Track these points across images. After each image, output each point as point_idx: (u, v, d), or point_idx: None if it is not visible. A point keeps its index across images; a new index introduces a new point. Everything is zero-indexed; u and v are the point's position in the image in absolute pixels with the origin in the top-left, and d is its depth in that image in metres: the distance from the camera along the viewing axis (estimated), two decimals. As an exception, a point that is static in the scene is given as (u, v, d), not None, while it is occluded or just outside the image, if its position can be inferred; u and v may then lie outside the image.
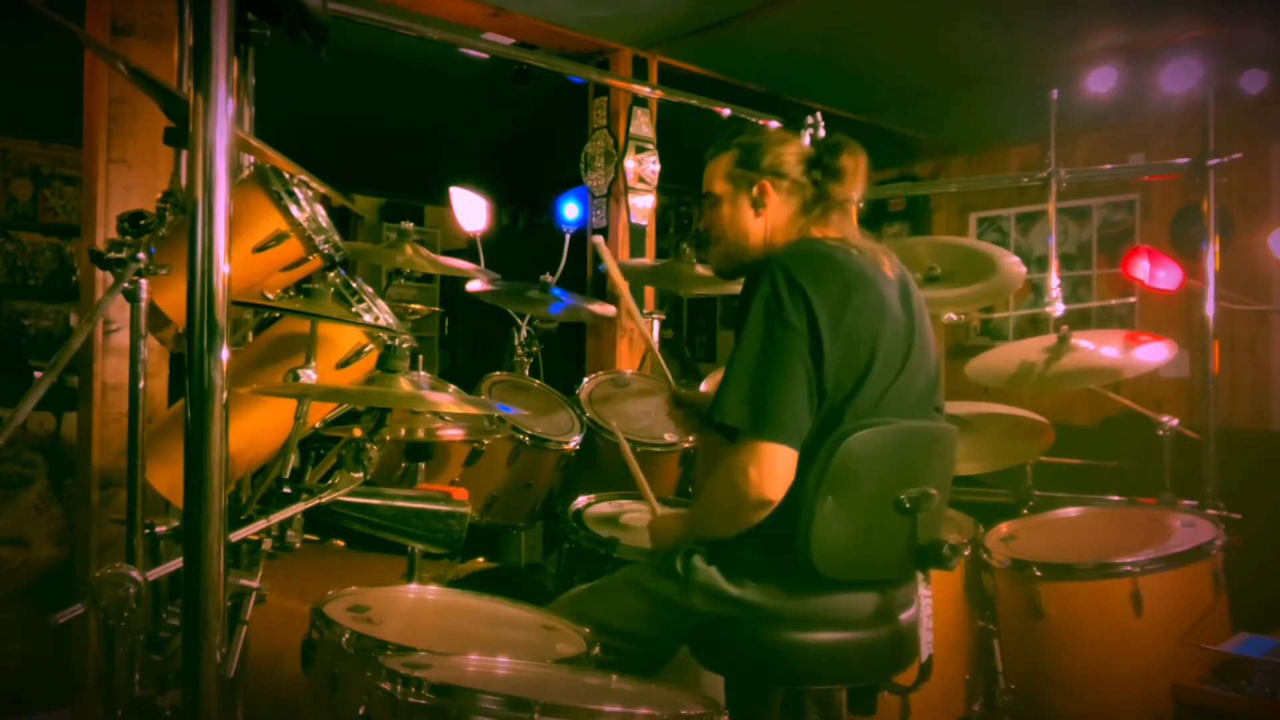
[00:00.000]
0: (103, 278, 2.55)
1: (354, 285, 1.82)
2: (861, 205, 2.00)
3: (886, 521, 1.79)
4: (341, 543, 2.72)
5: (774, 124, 4.05)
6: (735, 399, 1.75)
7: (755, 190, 1.96)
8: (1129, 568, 2.44)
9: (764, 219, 1.96)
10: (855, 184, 1.94)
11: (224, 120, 1.06)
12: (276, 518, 1.59)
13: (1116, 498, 2.96)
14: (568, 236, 3.77)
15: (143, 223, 1.56)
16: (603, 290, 4.10)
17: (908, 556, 1.81)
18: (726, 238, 2.01)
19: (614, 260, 2.51)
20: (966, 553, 2.59)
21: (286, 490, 1.64)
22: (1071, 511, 2.87)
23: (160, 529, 1.60)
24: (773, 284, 1.76)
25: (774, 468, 1.72)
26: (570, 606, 1.96)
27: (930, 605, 1.81)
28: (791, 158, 1.96)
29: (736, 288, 3.36)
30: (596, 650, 1.74)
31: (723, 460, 1.80)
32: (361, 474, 1.65)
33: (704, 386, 2.98)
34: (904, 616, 1.88)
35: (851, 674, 1.89)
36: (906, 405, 1.83)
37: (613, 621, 1.89)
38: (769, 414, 1.72)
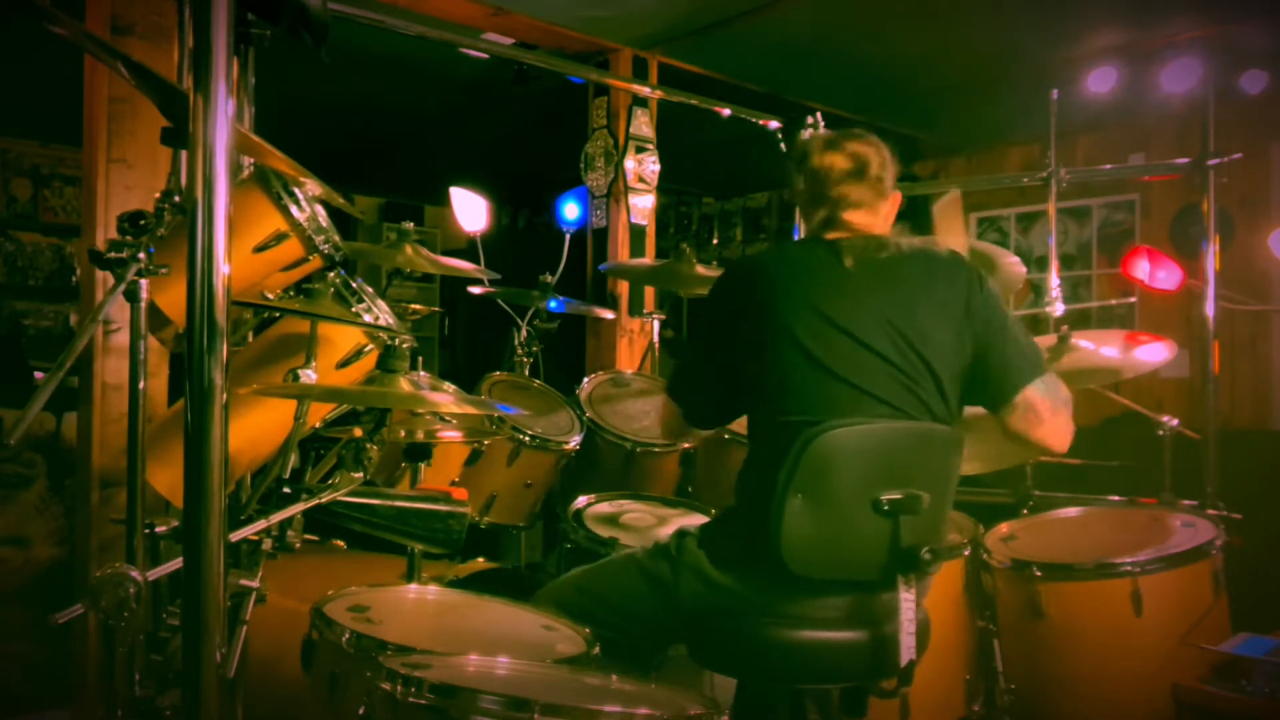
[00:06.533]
0: (103, 278, 2.55)
1: (354, 285, 1.82)
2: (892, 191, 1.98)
3: (862, 522, 1.75)
4: (341, 543, 2.72)
5: (774, 124, 4.06)
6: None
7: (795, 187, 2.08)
8: (1129, 568, 2.43)
9: (799, 211, 2.06)
10: (840, 179, 1.92)
11: (224, 120, 1.06)
12: (276, 518, 1.59)
13: (1116, 498, 2.95)
14: (567, 236, 3.77)
15: (142, 223, 1.56)
16: (602, 292, 4.10)
17: (888, 559, 1.77)
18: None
19: None
20: (966, 553, 2.60)
21: (286, 490, 1.64)
22: (1071, 511, 2.87)
23: (160, 529, 1.61)
24: (715, 285, 1.99)
25: (669, 415, 2.14)
26: (572, 581, 1.99)
27: (912, 610, 1.76)
28: (813, 157, 1.99)
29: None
30: (596, 650, 1.75)
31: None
32: (361, 474, 1.65)
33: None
34: (884, 620, 1.83)
35: (829, 674, 1.87)
36: (873, 404, 1.80)
37: (612, 596, 1.92)
38: (677, 383, 2.12)
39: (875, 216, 1.95)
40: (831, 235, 1.92)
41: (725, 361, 1.94)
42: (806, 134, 3.08)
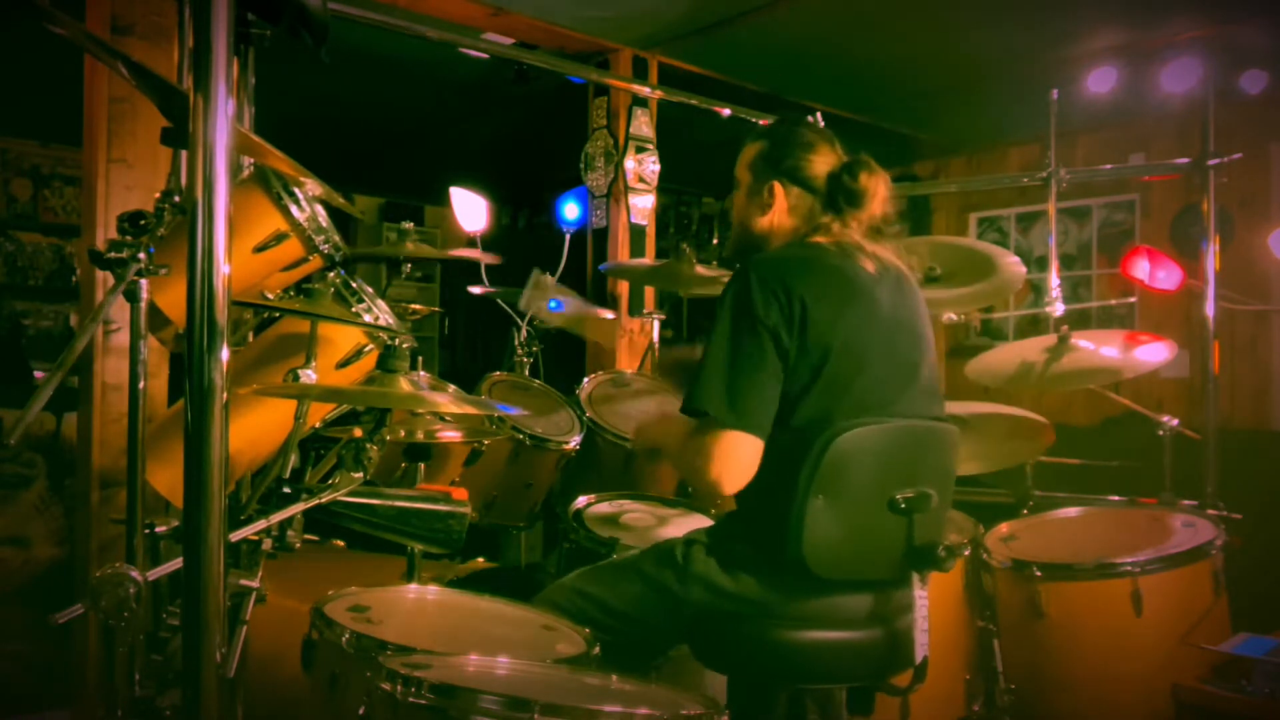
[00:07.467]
0: (103, 278, 2.55)
1: (354, 285, 1.82)
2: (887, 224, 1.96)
3: (880, 521, 1.78)
4: (341, 543, 2.72)
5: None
6: (710, 388, 1.77)
7: (765, 191, 1.96)
8: (1129, 568, 2.44)
9: (770, 218, 1.97)
10: (871, 205, 1.91)
11: (224, 120, 1.06)
12: (276, 518, 1.59)
13: (1116, 498, 2.95)
14: (568, 236, 3.78)
15: (142, 223, 1.56)
16: (603, 293, 4.10)
17: (903, 557, 1.80)
18: (734, 224, 2.07)
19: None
20: (966, 553, 2.60)
21: (286, 490, 1.64)
22: (1071, 511, 2.87)
23: (160, 529, 1.61)
24: (746, 283, 1.79)
25: (740, 457, 1.76)
26: (573, 584, 1.98)
27: (926, 607, 1.79)
28: (812, 165, 1.94)
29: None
30: (596, 650, 1.75)
31: (691, 438, 1.82)
32: (361, 474, 1.65)
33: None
34: (899, 617, 1.86)
35: (846, 674, 1.87)
36: (902, 406, 1.83)
37: (613, 602, 1.91)
38: (739, 404, 1.75)
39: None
40: (825, 239, 1.91)
41: (776, 364, 1.77)
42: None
